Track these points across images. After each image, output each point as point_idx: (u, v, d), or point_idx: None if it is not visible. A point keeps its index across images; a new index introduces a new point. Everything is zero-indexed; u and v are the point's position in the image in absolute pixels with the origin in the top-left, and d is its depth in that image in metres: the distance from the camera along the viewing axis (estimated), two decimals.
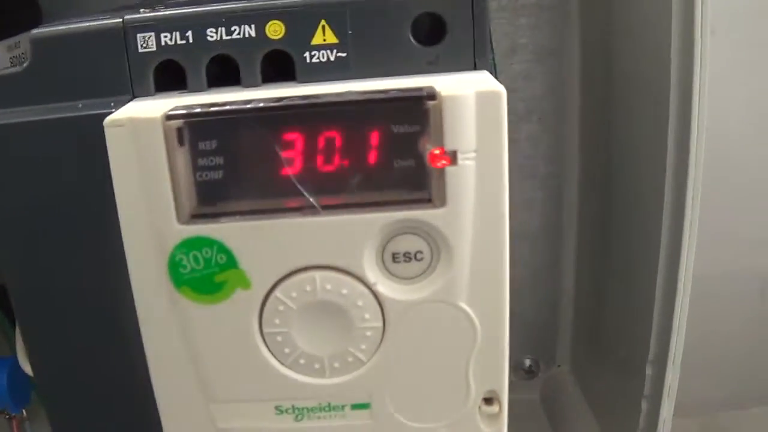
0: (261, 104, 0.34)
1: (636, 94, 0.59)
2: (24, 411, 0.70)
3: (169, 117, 0.35)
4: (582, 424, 0.72)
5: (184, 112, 0.35)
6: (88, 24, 0.38)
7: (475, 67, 0.38)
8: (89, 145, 0.36)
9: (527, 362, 0.79)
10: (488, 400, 0.40)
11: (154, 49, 0.38)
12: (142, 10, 0.39)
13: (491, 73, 0.38)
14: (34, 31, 0.39)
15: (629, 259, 0.63)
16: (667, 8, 0.50)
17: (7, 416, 0.70)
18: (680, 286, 0.54)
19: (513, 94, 0.68)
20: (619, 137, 0.63)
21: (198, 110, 0.35)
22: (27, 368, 0.49)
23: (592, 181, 0.71)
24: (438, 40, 0.38)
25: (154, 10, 0.39)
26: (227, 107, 0.35)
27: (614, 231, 0.66)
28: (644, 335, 0.58)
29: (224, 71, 0.39)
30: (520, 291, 0.75)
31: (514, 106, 0.69)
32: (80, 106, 0.38)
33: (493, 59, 0.65)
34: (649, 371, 0.58)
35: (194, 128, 0.35)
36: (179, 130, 0.35)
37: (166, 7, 0.40)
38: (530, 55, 0.68)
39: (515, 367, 0.79)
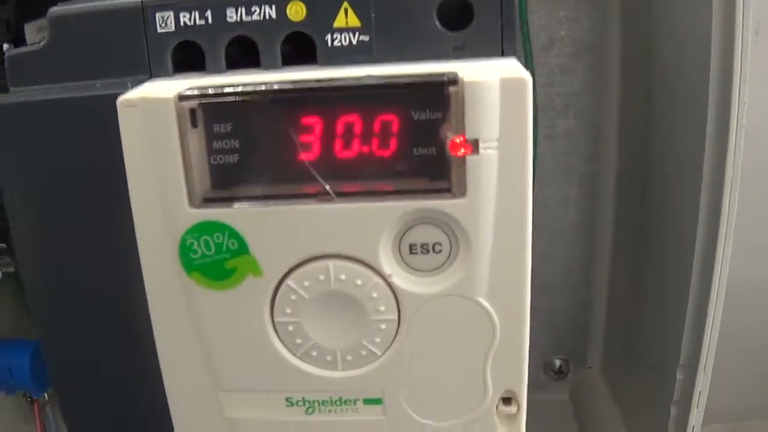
0: (276, 86, 0.33)
1: (676, 92, 0.57)
2: (45, 394, 0.71)
3: (182, 98, 0.34)
4: (610, 426, 0.71)
5: (197, 93, 0.34)
6: (106, 3, 0.38)
7: (502, 54, 0.37)
8: (106, 125, 0.36)
9: (557, 362, 0.78)
10: (506, 400, 0.38)
11: (173, 29, 0.37)
12: None
13: (521, 61, 0.37)
14: (52, 9, 0.39)
15: (663, 261, 0.61)
16: (708, 5, 0.48)
17: (29, 399, 0.70)
18: (714, 290, 0.53)
19: (550, 89, 0.66)
20: (658, 136, 0.61)
21: (212, 92, 0.34)
22: None
23: (628, 180, 0.69)
24: (465, 25, 0.36)
25: None
26: (242, 89, 0.34)
27: (650, 232, 0.64)
28: (676, 340, 0.56)
29: (245, 53, 0.38)
30: (552, 289, 0.74)
31: (551, 100, 0.67)
32: (98, 85, 0.38)
33: (530, 51, 0.63)
34: (679, 376, 0.57)
35: (208, 110, 0.34)
36: (192, 111, 0.34)
37: None
38: (568, 48, 0.67)
39: (545, 366, 0.78)
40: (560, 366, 0.78)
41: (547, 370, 0.78)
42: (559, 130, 0.69)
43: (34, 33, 0.60)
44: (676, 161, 0.58)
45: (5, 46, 0.58)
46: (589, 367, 0.78)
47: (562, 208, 0.71)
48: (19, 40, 0.59)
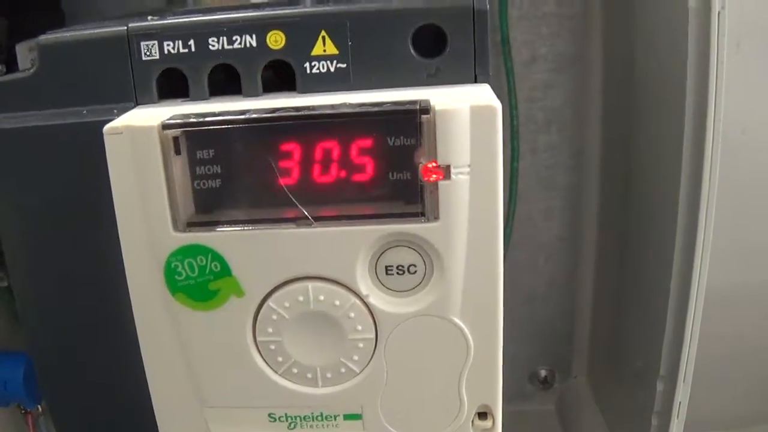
0: (255, 115, 0.35)
1: (656, 104, 0.58)
2: (39, 406, 0.71)
3: (165, 126, 0.35)
4: None
5: (180, 121, 0.35)
6: (93, 31, 0.39)
7: (475, 80, 0.38)
8: (92, 152, 0.37)
9: (543, 373, 0.79)
10: (482, 415, 0.39)
11: (158, 57, 0.38)
12: (149, 17, 0.40)
13: (496, 82, 0.38)
14: (42, 37, 0.40)
15: (644, 271, 0.62)
16: (684, 20, 0.49)
17: (23, 411, 0.71)
18: (692, 302, 0.54)
19: (532, 104, 0.68)
20: (639, 147, 0.62)
21: (194, 120, 0.35)
22: None
23: (610, 192, 0.70)
24: (438, 52, 0.38)
25: (160, 17, 0.39)
26: (223, 117, 0.35)
27: (631, 242, 0.65)
28: (656, 350, 0.57)
29: (229, 79, 0.39)
30: (537, 300, 0.75)
31: (534, 115, 0.69)
32: (84, 112, 0.39)
33: (512, 68, 0.64)
34: (659, 387, 0.58)
35: (191, 137, 0.35)
36: (176, 139, 0.35)
37: (173, 14, 0.40)
38: (551, 64, 0.68)
39: (531, 377, 0.79)
40: (546, 376, 0.79)
41: (533, 380, 0.79)
42: (541, 144, 0.70)
43: (26, 54, 0.61)
44: (655, 173, 0.59)
45: None
46: (575, 377, 0.79)
47: (546, 220, 0.73)
48: (10, 61, 0.60)
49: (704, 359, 0.57)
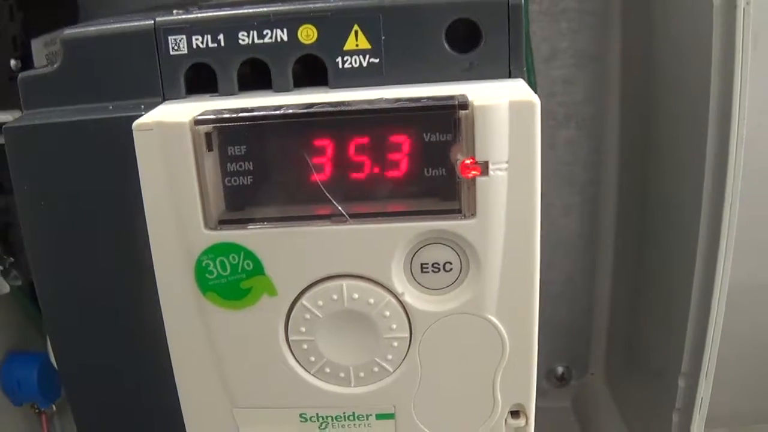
0: (291, 110, 0.34)
1: (676, 101, 0.58)
2: (54, 406, 0.71)
3: (197, 122, 0.34)
4: None
5: (212, 117, 0.34)
6: (119, 25, 0.38)
7: (509, 75, 0.37)
8: (119, 147, 0.36)
9: (560, 369, 0.78)
10: (515, 413, 0.39)
11: (186, 51, 0.38)
12: (175, 11, 0.39)
13: (527, 79, 0.37)
14: (66, 31, 0.39)
15: (665, 269, 0.62)
16: (708, 15, 0.49)
17: (37, 410, 0.71)
18: (715, 298, 0.53)
19: (552, 99, 0.67)
20: (659, 144, 0.62)
21: (227, 115, 0.34)
22: None
23: (630, 188, 0.70)
24: (473, 47, 0.37)
25: (186, 12, 0.39)
26: (256, 113, 0.34)
27: (651, 239, 0.65)
28: (678, 347, 0.57)
29: (256, 74, 0.38)
30: (554, 297, 0.75)
31: (553, 110, 0.68)
32: (111, 107, 0.38)
33: (532, 63, 0.64)
34: (681, 384, 0.57)
35: (223, 133, 0.35)
36: (208, 135, 0.34)
37: (200, 8, 0.39)
38: (570, 59, 0.67)
39: (548, 374, 0.78)
40: (563, 373, 0.78)
41: (550, 378, 0.78)
42: (560, 140, 0.69)
43: (41, 49, 0.60)
44: (677, 169, 0.59)
45: (12, 62, 0.59)
46: (592, 374, 0.79)
47: (564, 216, 0.72)
48: (25, 56, 0.59)
49: (722, 354, 0.56)
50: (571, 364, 0.78)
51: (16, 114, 0.57)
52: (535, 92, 0.35)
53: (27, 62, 0.59)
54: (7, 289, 0.65)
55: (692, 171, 0.53)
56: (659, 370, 0.62)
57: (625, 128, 0.69)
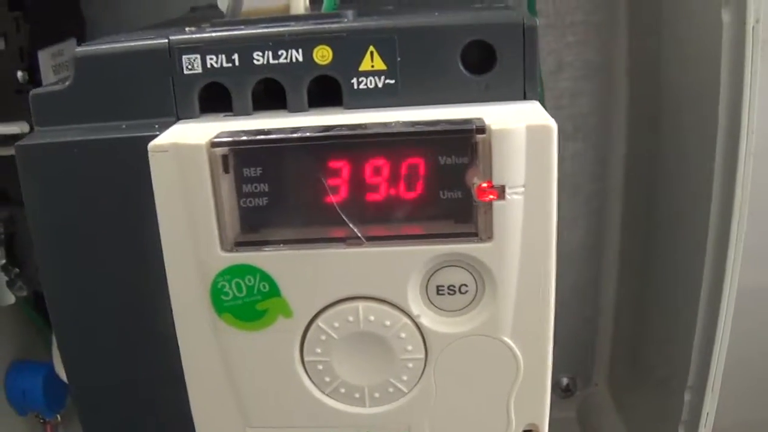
0: (307, 133, 0.34)
1: (684, 112, 0.58)
2: (58, 416, 0.71)
3: (214, 144, 0.34)
4: None
5: (229, 139, 0.34)
6: (133, 44, 0.38)
7: (524, 97, 0.37)
8: (132, 166, 0.36)
9: (564, 381, 0.78)
10: None
11: (200, 71, 0.38)
12: (188, 29, 0.39)
13: (540, 99, 0.37)
14: (78, 49, 0.39)
15: (671, 280, 0.62)
16: (717, 25, 0.49)
17: (42, 420, 0.71)
18: (722, 313, 0.53)
19: (559, 112, 0.67)
20: (665, 156, 0.62)
21: (244, 138, 0.34)
22: (63, 375, 0.49)
23: (636, 199, 0.70)
24: (488, 68, 0.37)
25: (200, 30, 0.38)
26: (273, 135, 0.34)
27: (657, 251, 0.65)
28: (684, 360, 0.57)
29: (270, 93, 0.38)
30: (559, 308, 0.74)
31: (561, 124, 0.68)
32: (124, 126, 0.38)
33: (540, 76, 0.64)
34: (687, 397, 0.57)
35: (240, 155, 0.35)
36: (224, 157, 0.34)
37: (212, 25, 0.39)
38: (577, 72, 0.67)
39: (553, 385, 0.78)
40: (567, 384, 0.78)
41: (554, 389, 0.78)
42: (567, 152, 0.69)
43: (48, 60, 0.60)
44: (684, 180, 0.59)
45: (19, 73, 0.59)
46: (596, 385, 0.79)
47: (570, 227, 0.72)
48: (32, 68, 0.59)
49: (725, 364, 0.56)
50: (575, 375, 0.78)
51: (24, 125, 0.57)
52: (544, 106, 0.35)
53: (33, 74, 0.59)
54: (12, 299, 0.65)
55: (700, 182, 0.53)
56: (664, 382, 0.62)
57: (631, 140, 0.69)
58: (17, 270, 0.65)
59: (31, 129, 0.40)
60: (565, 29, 0.66)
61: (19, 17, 0.58)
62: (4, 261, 0.64)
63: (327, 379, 0.37)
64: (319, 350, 0.37)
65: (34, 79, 0.59)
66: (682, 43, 0.57)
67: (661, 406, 0.63)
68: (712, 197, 0.52)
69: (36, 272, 0.63)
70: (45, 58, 0.60)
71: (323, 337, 0.37)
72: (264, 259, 0.35)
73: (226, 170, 0.35)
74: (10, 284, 0.65)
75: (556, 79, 0.67)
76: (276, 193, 0.35)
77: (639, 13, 0.66)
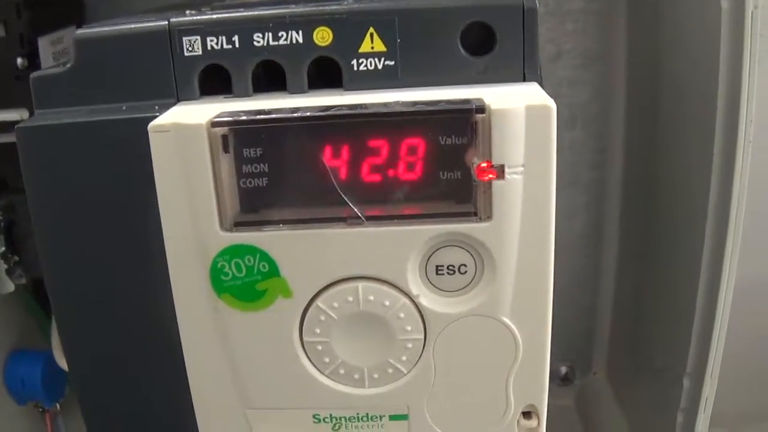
0: (307, 113, 0.34)
1: (683, 100, 0.58)
2: (58, 405, 0.71)
3: (214, 124, 0.34)
4: None
5: (229, 119, 0.34)
6: (133, 26, 0.38)
7: (524, 79, 0.37)
8: (133, 148, 0.36)
9: (563, 369, 0.78)
10: (526, 414, 0.39)
11: (200, 53, 0.38)
12: (188, 12, 0.39)
13: (539, 83, 0.38)
14: (78, 31, 0.39)
15: (670, 268, 0.62)
16: (716, 14, 0.49)
17: (41, 409, 0.71)
18: (721, 299, 0.53)
19: (557, 100, 0.67)
20: (664, 144, 0.62)
21: (243, 118, 0.34)
22: (62, 363, 0.49)
23: (634, 189, 0.70)
24: (487, 50, 0.37)
25: (200, 13, 0.39)
26: (273, 115, 0.34)
27: (656, 239, 0.65)
28: (683, 347, 0.57)
29: (270, 74, 0.38)
30: (558, 296, 0.75)
31: (559, 111, 0.68)
32: (124, 108, 0.38)
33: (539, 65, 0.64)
34: (686, 383, 0.57)
35: (239, 136, 0.35)
36: (224, 137, 0.34)
37: (213, 9, 0.39)
38: (576, 60, 0.67)
39: (551, 373, 0.78)
40: (566, 372, 0.79)
41: (553, 377, 0.78)
42: (566, 141, 0.69)
43: (48, 47, 0.60)
44: (682, 169, 0.59)
45: (19, 60, 0.59)
46: (595, 374, 0.79)
47: (568, 218, 0.72)
48: (32, 55, 0.59)
49: (724, 354, 0.57)
50: (574, 363, 0.78)
51: (23, 112, 0.57)
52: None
53: (34, 60, 0.59)
54: (11, 287, 0.65)
55: (698, 171, 0.53)
56: (663, 370, 0.62)
57: (630, 128, 0.69)
58: (16, 258, 0.65)
59: (31, 115, 0.40)
60: (564, 17, 0.66)
61: (20, 3, 0.58)
62: (3, 249, 0.64)
63: (326, 359, 0.38)
64: (318, 330, 0.37)
65: (34, 66, 0.59)
66: (682, 29, 0.57)
67: (660, 394, 0.63)
68: (710, 185, 0.52)
69: (35, 260, 0.63)
70: (45, 44, 0.60)
71: (323, 318, 0.37)
72: (264, 238, 0.35)
73: (226, 150, 0.35)
74: (10, 272, 0.65)
75: (555, 67, 0.67)
76: (276, 173, 0.35)
77: (638, 1, 0.66)
